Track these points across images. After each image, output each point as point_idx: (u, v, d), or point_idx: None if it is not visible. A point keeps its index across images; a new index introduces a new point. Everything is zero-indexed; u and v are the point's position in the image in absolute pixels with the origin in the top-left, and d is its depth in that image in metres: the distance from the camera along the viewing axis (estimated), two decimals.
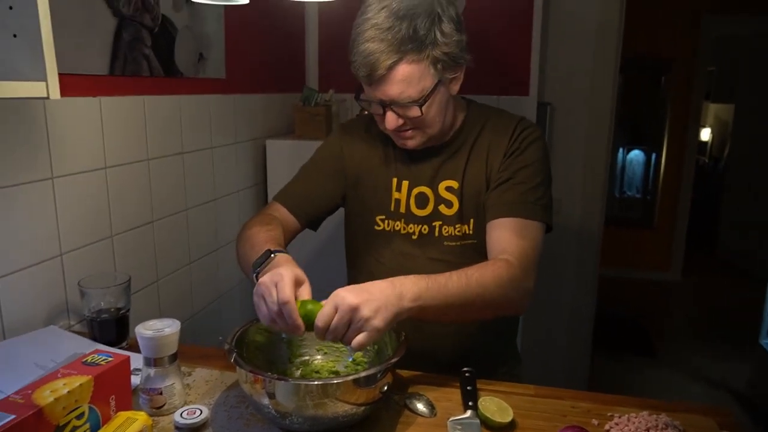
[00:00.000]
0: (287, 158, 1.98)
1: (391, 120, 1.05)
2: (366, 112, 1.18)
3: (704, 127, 6.37)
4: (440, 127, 1.11)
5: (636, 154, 5.12)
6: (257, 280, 0.96)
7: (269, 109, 2.10)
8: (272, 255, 0.98)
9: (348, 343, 0.85)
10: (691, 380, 3.23)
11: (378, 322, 0.83)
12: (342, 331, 0.84)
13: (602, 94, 2.49)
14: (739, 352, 3.36)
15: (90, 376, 0.73)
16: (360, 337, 0.83)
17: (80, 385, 0.72)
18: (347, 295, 0.83)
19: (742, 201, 5.07)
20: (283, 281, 0.86)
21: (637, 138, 5.06)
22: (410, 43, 0.98)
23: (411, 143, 1.12)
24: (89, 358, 0.78)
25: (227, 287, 1.88)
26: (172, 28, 1.47)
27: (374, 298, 0.84)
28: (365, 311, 0.83)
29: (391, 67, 0.99)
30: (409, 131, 1.09)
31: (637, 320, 4.06)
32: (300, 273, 0.91)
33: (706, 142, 6.53)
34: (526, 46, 2.24)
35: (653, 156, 4.94)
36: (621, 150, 5.13)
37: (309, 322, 0.86)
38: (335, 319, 0.83)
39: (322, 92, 2.15)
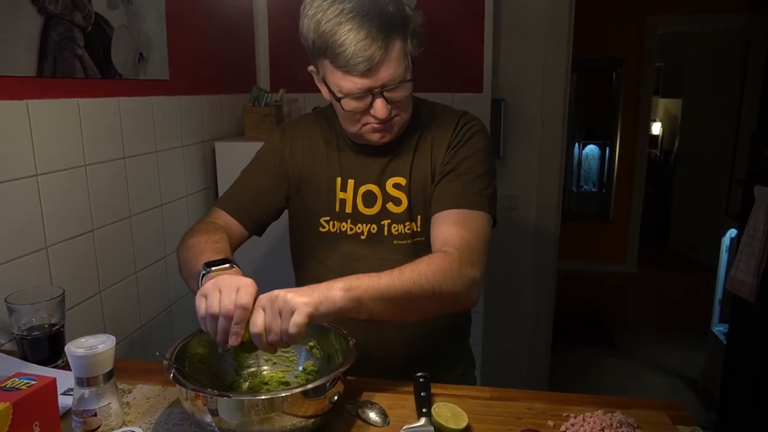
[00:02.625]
0: (238, 160, 1.89)
1: (383, 108, 1.01)
2: (309, 109, 1.14)
3: (655, 121, 6.55)
4: (411, 110, 1.09)
5: (591, 149, 5.23)
6: (202, 279, 0.91)
7: (218, 111, 2.03)
8: (231, 266, 0.93)
9: (286, 331, 0.81)
10: (649, 370, 3.30)
11: (305, 298, 0.81)
12: (277, 324, 0.81)
13: (555, 91, 2.50)
14: (694, 340, 3.46)
15: (8, 403, 0.67)
16: (295, 317, 0.80)
17: None
18: (267, 293, 0.83)
19: (692, 193, 5.23)
20: (247, 289, 0.83)
21: (592, 133, 5.17)
22: (395, 20, 0.96)
23: (393, 131, 1.08)
24: (8, 383, 0.72)
25: (178, 296, 1.81)
26: (107, 26, 1.40)
27: (298, 288, 0.84)
28: (288, 294, 0.81)
29: (387, 48, 0.96)
30: (394, 119, 1.05)
31: (595, 313, 4.13)
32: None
33: (657, 136, 6.72)
34: (479, 44, 2.25)
35: (607, 151, 5.05)
36: (577, 145, 5.24)
37: (246, 340, 0.83)
38: (266, 315, 0.81)
39: (274, 92, 2.10)
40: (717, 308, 2.99)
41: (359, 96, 1.00)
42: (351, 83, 0.98)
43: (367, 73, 0.96)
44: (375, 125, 1.05)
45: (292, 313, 0.80)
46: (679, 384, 3.14)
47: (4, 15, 1.11)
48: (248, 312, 0.82)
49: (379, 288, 0.87)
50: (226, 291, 0.83)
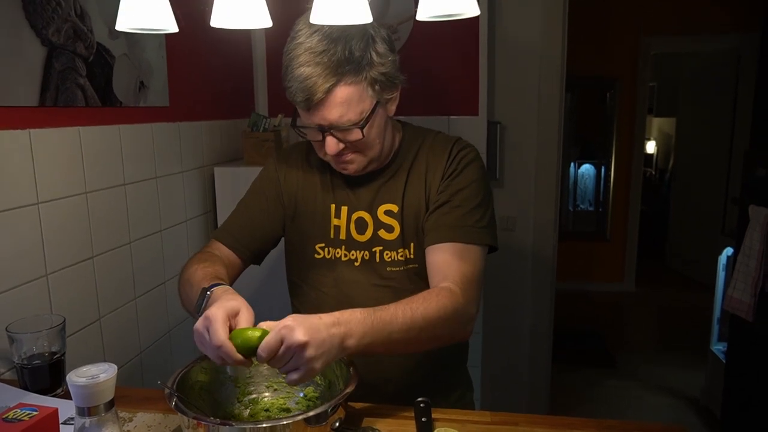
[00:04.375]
0: (236, 185, 1.94)
1: (332, 145, 1.02)
2: (303, 140, 1.16)
3: (649, 140, 6.61)
4: (380, 150, 1.09)
5: (587, 168, 5.26)
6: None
7: (217, 136, 2.05)
8: (208, 293, 0.94)
9: (284, 373, 0.83)
10: (650, 390, 3.29)
11: (318, 364, 0.82)
12: (282, 364, 0.82)
13: (550, 111, 2.54)
14: (694, 359, 3.45)
15: None
16: (294, 375, 0.81)
17: None
18: (297, 330, 0.80)
19: (687, 211, 5.26)
20: (214, 324, 0.83)
21: (587, 152, 5.21)
22: (347, 64, 0.96)
23: (352, 167, 1.09)
24: (11, 414, 0.72)
25: (178, 320, 1.81)
26: (108, 56, 1.42)
27: (321, 338, 0.82)
28: (311, 351, 0.80)
29: (329, 90, 0.96)
30: (350, 156, 1.07)
31: (594, 332, 4.12)
32: (233, 303, 0.87)
33: (652, 155, 6.77)
34: (474, 67, 2.27)
35: (603, 169, 5.09)
36: (572, 165, 5.27)
37: (249, 351, 0.83)
38: (280, 351, 0.81)
39: (272, 117, 2.12)
40: (716, 327, 2.99)
41: (312, 129, 1.02)
42: (303, 115, 1.02)
43: (310, 110, 0.99)
44: (331, 156, 1.06)
45: (297, 366, 0.81)
46: (681, 404, 3.12)
47: (8, 47, 1.13)
48: (227, 345, 0.81)
49: (391, 335, 0.90)
50: (204, 342, 0.84)
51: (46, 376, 1.04)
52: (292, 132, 2.20)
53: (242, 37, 2.28)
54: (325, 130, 1.01)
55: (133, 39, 1.52)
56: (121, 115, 1.51)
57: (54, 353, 1.06)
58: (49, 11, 1.22)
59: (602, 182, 5.10)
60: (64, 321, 1.08)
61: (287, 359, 0.81)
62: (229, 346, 0.81)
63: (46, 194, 1.24)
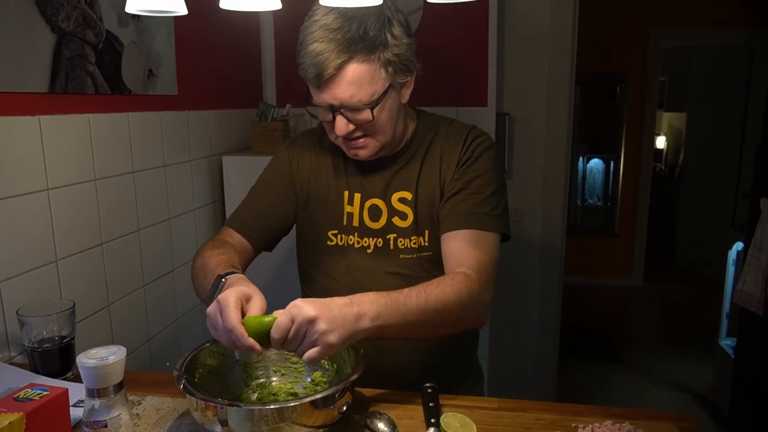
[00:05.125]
0: (244, 174, 1.94)
1: (341, 125, 1.02)
2: (315, 124, 1.16)
3: (659, 134, 6.56)
4: (392, 135, 1.08)
5: (596, 163, 5.23)
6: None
7: (225, 125, 2.06)
8: (223, 279, 0.94)
9: (300, 355, 0.82)
10: (657, 385, 3.27)
11: (333, 338, 0.80)
12: (297, 344, 0.81)
13: (559, 104, 2.52)
14: (702, 354, 3.43)
15: (21, 413, 0.68)
16: (312, 352, 0.80)
17: (9, 423, 0.66)
18: (305, 306, 0.80)
19: (697, 206, 5.22)
20: (227, 308, 0.82)
21: (596, 147, 5.18)
22: (360, 42, 0.96)
23: (363, 153, 1.08)
24: (21, 394, 0.73)
25: (186, 308, 1.82)
26: (117, 44, 1.43)
27: (333, 314, 0.81)
28: (322, 324, 0.80)
29: (340, 67, 0.96)
30: (361, 139, 1.06)
31: (601, 327, 4.11)
32: (246, 289, 0.87)
33: (661, 150, 6.72)
34: (483, 58, 2.27)
35: (612, 164, 5.05)
36: (581, 159, 5.24)
37: (260, 338, 0.82)
38: (292, 330, 0.80)
39: (280, 107, 2.12)
40: (725, 322, 2.97)
41: (323, 108, 1.02)
42: (315, 94, 1.02)
43: (321, 86, 0.99)
44: (342, 139, 1.06)
45: (313, 344, 0.80)
46: (688, 399, 3.11)
47: (18, 33, 1.14)
48: (238, 328, 0.81)
49: (406, 316, 0.88)
50: (216, 325, 0.83)
51: (56, 359, 1.05)
52: (300, 122, 2.22)
53: (251, 26, 2.28)
54: (336, 109, 1.01)
55: (142, 27, 1.53)
56: (130, 103, 1.52)
57: (64, 337, 1.06)
58: None
59: (611, 177, 5.07)
60: (74, 305, 1.09)
61: (300, 338, 0.81)
62: (241, 330, 0.81)
63: (55, 181, 1.25)
